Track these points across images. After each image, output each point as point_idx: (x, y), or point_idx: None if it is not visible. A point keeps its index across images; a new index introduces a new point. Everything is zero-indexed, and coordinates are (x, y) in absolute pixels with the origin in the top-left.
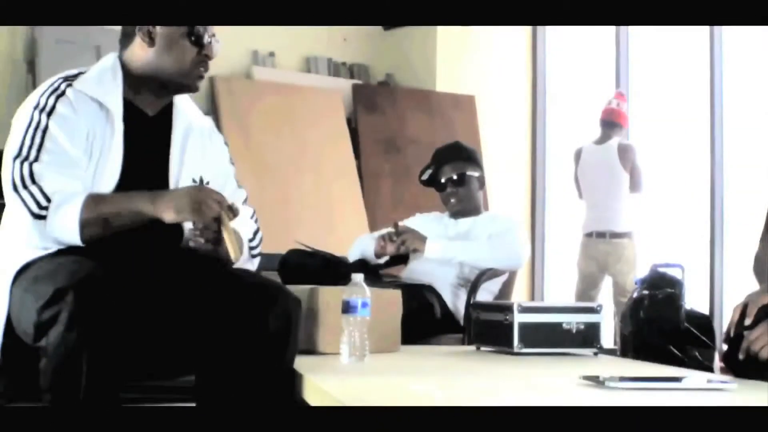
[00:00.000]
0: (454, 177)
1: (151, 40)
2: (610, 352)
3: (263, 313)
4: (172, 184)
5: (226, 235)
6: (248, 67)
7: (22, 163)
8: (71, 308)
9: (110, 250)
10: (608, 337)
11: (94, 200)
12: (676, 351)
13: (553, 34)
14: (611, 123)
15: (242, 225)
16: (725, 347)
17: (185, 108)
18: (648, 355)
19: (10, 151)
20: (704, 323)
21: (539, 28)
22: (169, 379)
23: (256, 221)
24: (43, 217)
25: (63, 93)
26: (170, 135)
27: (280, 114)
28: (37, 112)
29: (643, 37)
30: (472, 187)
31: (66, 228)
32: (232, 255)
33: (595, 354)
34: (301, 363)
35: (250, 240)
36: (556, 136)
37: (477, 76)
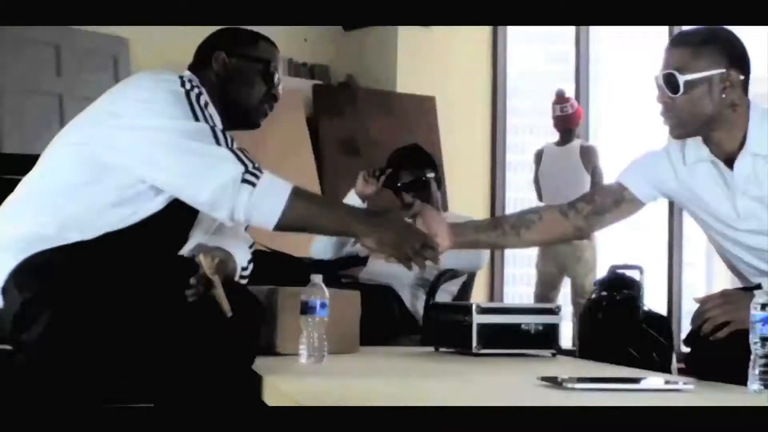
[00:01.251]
0: (413, 181)
1: (225, 70)
2: (568, 353)
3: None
4: None
5: (215, 290)
6: None
7: (211, 126)
8: (53, 312)
9: (103, 255)
10: (567, 338)
11: (302, 190)
12: (634, 352)
13: (514, 35)
14: (565, 130)
15: (241, 252)
16: (684, 348)
17: None
18: (606, 357)
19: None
20: (662, 324)
21: (500, 28)
22: (132, 380)
23: (253, 252)
24: (252, 183)
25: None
26: None
27: None
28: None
29: (603, 37)
30: (431, 190)
31: (271, 205)
32: (227, 309)
33: (554, 355)
34: (259, 364)
35: (244, 269)
36: (517, 137)
37: (437, 77)
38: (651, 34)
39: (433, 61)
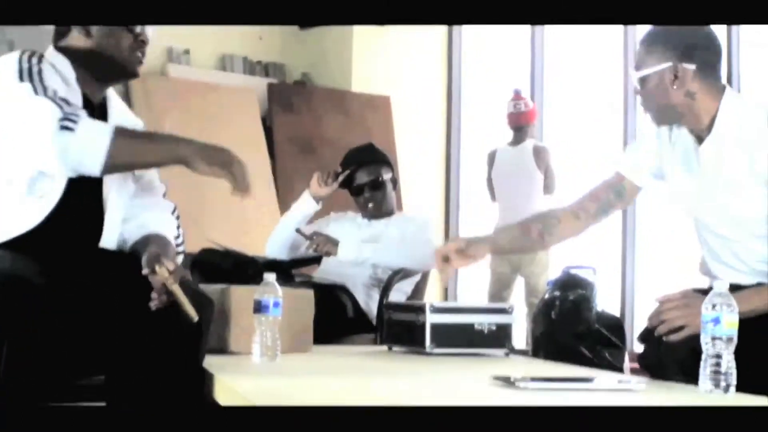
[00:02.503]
0: (370, 182)
1: (87, 33)
2: (521, 352)
3: (174, 311)
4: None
5: (178, 298)
6: (163, 64)
7: (30, 60)
8: None
9: (39, 245)
10: (520, 338)
11: (124, 128)
12: (586, 352)
13: (469, 35)
14: (519, 127)
15: (166, 223)
16: (637, 348)
17: (119, 103)
18: (559, 356)
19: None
20: (615, 324)
21: (455, 28)
22: (81, 379)
23: (177, 217)
24: (70, 129)
25: (42, 57)
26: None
27: (195, 112)
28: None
29: (558, 37)
30: (387, 190)
31: (95, 148)
32: (192, 315)
33: (507, 354)
34: (212, 362)
35: (176, 237)
36: (471, 137)
37: (392, 77)
38: (605, 35)
39: (388, 61)
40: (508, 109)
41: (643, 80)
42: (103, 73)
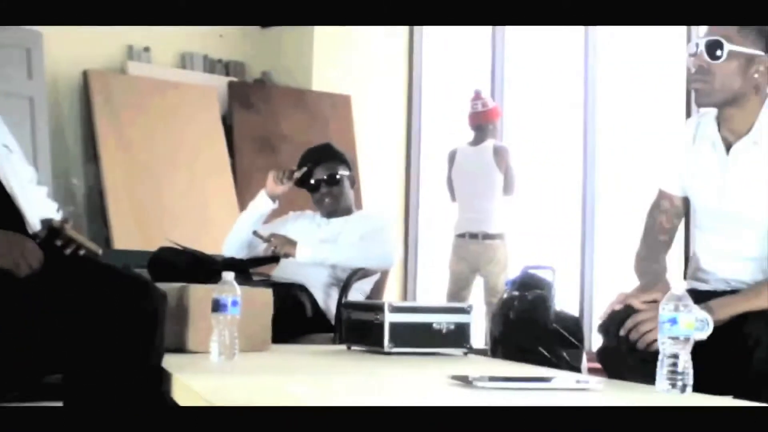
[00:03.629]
0: (327, 177)
1: None
2: (480, 352)
3: (127, 307)
4: None
5: (78, 239)
6: (123, 61)
7: None
8: None
9: None
10: (479, 338)
11: None
12: (544, 351)
13: (430, 35)
14: (481, 126)
15: (43, 203)
16: (595, 348)
17: None
18: (517, 356)
19: None
20: (573, 324)
21: (416, 28)
22: (39, 378)
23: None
24: None
25: None
26: None
27: (155, 110)
28: None
29: (518, 37)
30: (344, 187)
31: None
32: (95, 249)
33: (465, 354)
34: (170, 362)
35: (58, 211)
36: (431, 136)
37: (353, 76)
38: (565, 36)
39: (349, 60)
40: (472, 108)
41: (731, 54)
42: None
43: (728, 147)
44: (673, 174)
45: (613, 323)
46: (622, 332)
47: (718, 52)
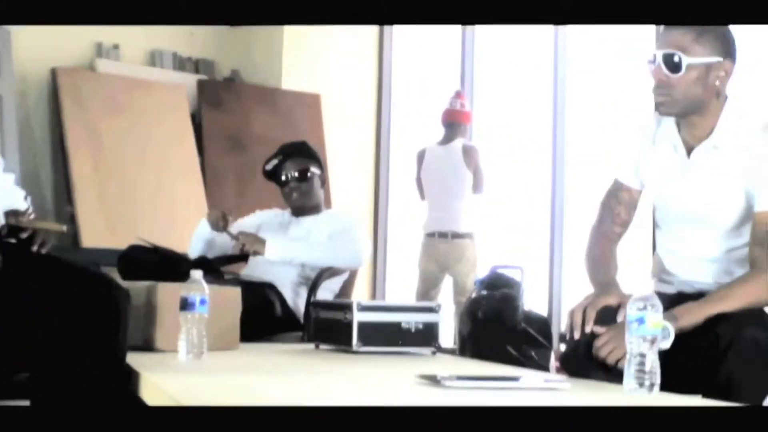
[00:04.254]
0: (297, 173)
1: None
2: (448, 351)
3: (89, 305)
4: None
5: (39, 224)
6: (92, 59)
7: None
8: None
9: None
10: (448, 337)
11: None
12: (513, 351)
13: (400, 34)
14: (453, 124)
15: (10, 191)
16: (563, 348)
17: None
18: (486, 355)
19: None
20: (541, 324)
21: (386, 27)
22: (6, 377)
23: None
24: None
25: None
26: None
27: (124, 108)
28: None
29: (488, 37)
30: (313, 184)
31: None
32: (58, 228)
33: (434, 353)
34: (137, 360)
35: (25, 198)
36: (401, 136)
37: (323, 75)
38: (535, 36)
39: (319, 59)
40: (450, 105)
41: (689, 67)
42: None
43: (689, 150)
44: (631, 167)
45: (577, 356)
46: (596, 352)
47: (677, 66)
